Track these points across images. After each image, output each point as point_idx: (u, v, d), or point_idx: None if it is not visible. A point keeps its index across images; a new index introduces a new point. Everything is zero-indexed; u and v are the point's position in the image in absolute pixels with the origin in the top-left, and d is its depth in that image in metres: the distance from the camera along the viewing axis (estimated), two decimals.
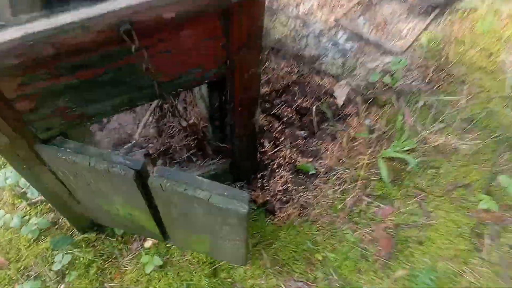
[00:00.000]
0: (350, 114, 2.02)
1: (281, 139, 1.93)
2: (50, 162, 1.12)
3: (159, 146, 1.57)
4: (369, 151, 1.88)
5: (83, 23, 0.77)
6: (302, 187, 1.80)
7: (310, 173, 1.83)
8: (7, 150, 1.03)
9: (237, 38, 1.00)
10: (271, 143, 1.91)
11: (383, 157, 1.82)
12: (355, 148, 1.90)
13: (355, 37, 2.25)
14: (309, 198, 1.77)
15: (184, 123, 1.53)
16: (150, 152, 1.58)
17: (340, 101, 2.04)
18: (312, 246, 1.62)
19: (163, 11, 0.82)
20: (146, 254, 1.58)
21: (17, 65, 0.78)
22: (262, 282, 1.54)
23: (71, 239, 1.61)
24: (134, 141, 1.61)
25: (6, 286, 1.55)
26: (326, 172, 1.84)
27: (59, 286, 1.54)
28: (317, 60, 2.17)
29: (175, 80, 1.07)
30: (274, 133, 1.94)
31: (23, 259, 1.61)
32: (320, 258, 1.59)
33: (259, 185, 1.81)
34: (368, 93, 2.07)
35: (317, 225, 1.69)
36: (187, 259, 1.59)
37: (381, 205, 1.74)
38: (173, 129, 1.57)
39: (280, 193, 1.79)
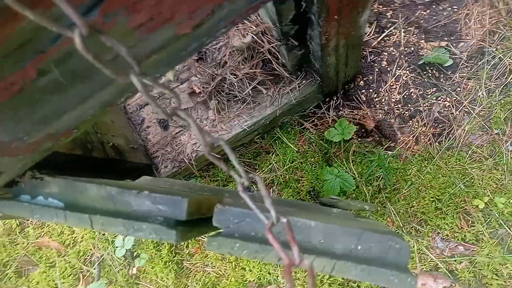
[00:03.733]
0: None
1: (388, 15, 1.19)
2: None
3: (207, 80, 0.96)
4: None
5: None
6: (434, 89, 1.14)
7: (445, 65, 1.14)
8: None
9: None
10: (374, 24, 1.19)
11: None
12: None
13: None
14: (448, 107, 1.13)
15: (237, 43, 0.87)
16: (196, 90, 0.98)
17: None
18: (465, 188, 1.06)
19: None
20: None
21: None
22: None
23: None
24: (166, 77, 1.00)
25: None
26: (471, 59, 1.14)
27: None
28: None
29: (203, 25, 0.39)
30: (377, 7, 1.20)
31: None
32: (481, 205, 1.04)
33: (363, 98, 1.18)
34: None
35: (469, 152, 1.09)
36: None
37: None
38: (221, 53, 0.92)
39: (399, 105, 1.16)
